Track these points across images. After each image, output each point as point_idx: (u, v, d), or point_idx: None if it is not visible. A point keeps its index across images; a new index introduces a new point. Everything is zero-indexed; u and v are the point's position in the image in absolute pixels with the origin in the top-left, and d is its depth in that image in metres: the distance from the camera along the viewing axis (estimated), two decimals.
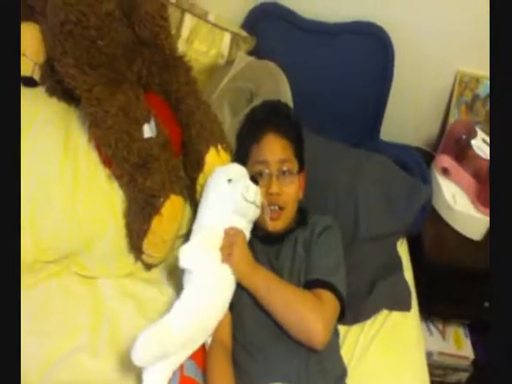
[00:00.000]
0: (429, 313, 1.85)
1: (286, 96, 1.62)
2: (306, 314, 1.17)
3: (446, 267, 1.66)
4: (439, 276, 1.68)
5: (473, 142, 1.67)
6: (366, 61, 1.71)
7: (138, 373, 1.15)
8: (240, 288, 1.24)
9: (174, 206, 1.32)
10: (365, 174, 1.57)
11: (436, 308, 1.80)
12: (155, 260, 1.39)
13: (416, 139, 1.92)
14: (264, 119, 1.41)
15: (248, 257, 1.25)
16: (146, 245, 1.33)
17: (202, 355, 1.20)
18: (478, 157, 1.65)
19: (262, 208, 1.29)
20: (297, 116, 1.45)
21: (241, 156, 1.41)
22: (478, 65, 1.74)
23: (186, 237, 1.42)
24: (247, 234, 1.29)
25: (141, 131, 1.33)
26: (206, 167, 1.38)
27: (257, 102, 1.54)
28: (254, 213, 1.27)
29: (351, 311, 1.31)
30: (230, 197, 1.25)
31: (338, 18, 1.71)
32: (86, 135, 1.41)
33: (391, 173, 1.61)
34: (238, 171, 1.32)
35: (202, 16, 1.68)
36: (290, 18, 1.72)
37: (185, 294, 1.19)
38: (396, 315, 1.46)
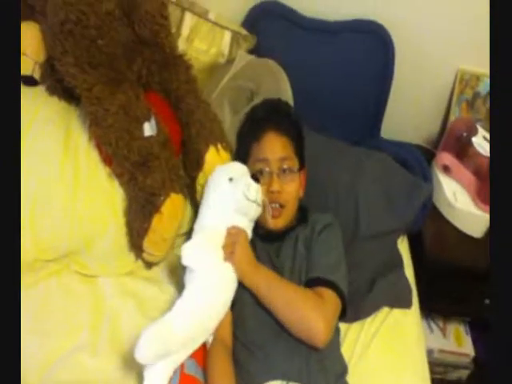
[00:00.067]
0: (429, 310, 1.85)
1: (287, 94, 1.62)
2: (307, 312, 1.17)
3: (447, 265, 1.66)
4: (440, 273, 1.68)
5: (473, 139, 1.67)
6: (366, 59, 1.71)
7: (138, 371, 1.15)
8: (241, 286, 1.24)
9: (174, 205, 1.32)
10: (365, 172, 1.57)
11: (437, 305, 1.80)
12: (156, 258, 1.40)
13: (417, 137, 1.92)
14: (264, 117, 1.41)
15: (250, 256, 1.25)
16: (147, 243, 1.33)
17: (202, 353, 1.20)
18: (478, 154, 1.65)
19: (263, 206, 1.29)
20: (297, 114, 1.46)
21: (241, 154, 1.42)
22: (479, 63, 1.74)
23: (187, 236, 1.42)
24: (249, 233, 1.30)
25: (141, 130, 1.33)
26: (206, 166, 1.38)
27: (257, 100, 1.54)
28: (255, 211, 1.27)
29: (352, 309, 1.31)
30: (231, 196, 1.25)
31: (338, 16, 1.70)
32: (86, 134, 1.41)
33: (392, 171, 1.61)
34: (239, 170, 1.32)
35: (202, 14, 1.68)
36: (290, 17, 1.72)
37: (187, 292, 1.19)
38: (397, 312, 1.47)
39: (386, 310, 1.47)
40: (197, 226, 1.31)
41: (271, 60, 1.67)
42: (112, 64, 1.35)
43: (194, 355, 1.18)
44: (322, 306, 1.18)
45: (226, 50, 1.70)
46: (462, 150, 1.69)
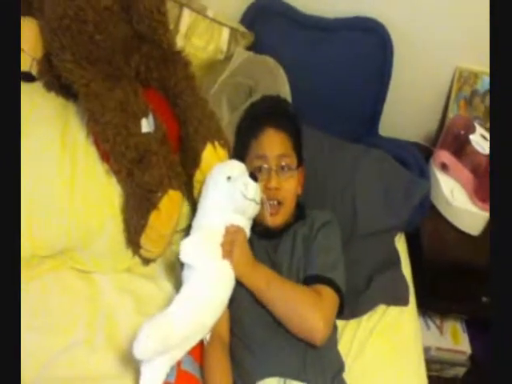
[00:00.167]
0: (426, 308, 1.86)
1: (285, 91, 1.62)
2: (306, 311, 1.17)
3: (444, 262, 1.66)
4: (437, 271, 1.68)
5: (471, 137, 1.67)
6: (364, 56, 1.71)
7: (135, 367, 1.15)
8: (238, 284, 1.24)
9: (171, 201, 1.32)
10: (363, 170, 1.57)
11: (434, 303, 1.80)
12: (153, 255, 1.39)
13: (415, 135, 1.92)
14: (263, 114, 1.41)
15: (248, 255, 1.25)
16: (144, 240, 1.33)
17: (199, 350, 1.20)
18: (476, 152, 1.65)
19: (262, 203, 1.28)
20: (296, 111, 1.45)
21: (240, 151, 1.41)
22: (477, 60, 1.74)
23: (185, 233, 1.42)
24: (247, 232, 1.30)
25: (139, 126, 1.33)
26: (203, 164, 1.37)
27: (256, 97, 1.54)
28: (253, 210, 1.27)
29: (349, 306, 1.31)
30: (229, 195, 1.25)
31: (336, 13, 1.70)
32: (84, 130, 1.40)
33: (389, 168, 1.61)
34: (237, 168, 1.32)
35: (200, 11, 1.67)
36: (288, 14, 1.72)
37: (185, 289, 1.19)
38: (394, 310, 1.46)
39: (383, 307, 1.46)
40: (195, 224, 1.31)
41: (269, 57, 1.66)
42: (110, 60, 1.35)
43: (191, 352, 1.18)
44: (321, 303, 1.18)
45: (224, 46, 1.69)
46: (460, 147, 1.69)
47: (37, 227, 1.33)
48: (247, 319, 1.24)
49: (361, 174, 1.56)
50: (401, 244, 1.66)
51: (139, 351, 1.05)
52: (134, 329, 1.08)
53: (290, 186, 1.35)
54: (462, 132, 1.68)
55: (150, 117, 1.36)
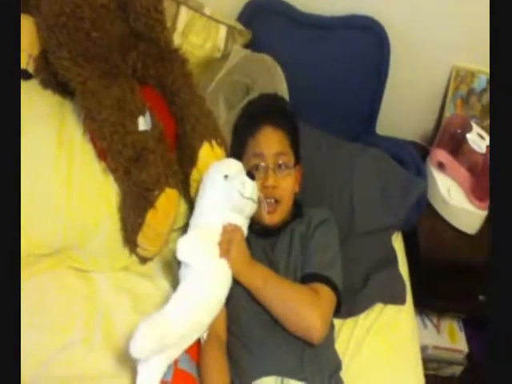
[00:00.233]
0: (423, 306, 1.86)
1: (282, 89, 1.62)
2: (303, 309, 1.17)
3: (441, 261, 1.66)
4: (434, 270, 1.69)
5: (468, 136, 1.67)
6: (361, 55, 1.71)
7: (132, 366, 1.15)
8: (235, 282, 1.24)
9: (168, 200, 1.32)
10: (360, 168, 1.57)
11: (431, 302, 1.80)
12: (150, 253, 1.39)
13: (412, 133, 1.92)
14: (261, 112, 1.41)
15: (245, 254, 1.25)
16: (141, 238, 1.32)
17: (196, 349, 1.20)
18: (473, 151, 1.65)
19: (259, 202, 1.28)
20: (293, 109, 1.45)
21: (237, 149, 1.41)
22: (474, 59, 1.74)
23: (182, 231, 1.42)
24: (245, 231, 1.29)
25: (136, 124, 1.33)
26: (200, 162, 1.37)
27: (253, 95, 1.53)
28: (251, 208, 1.27)
29: (346, 305, 1.31)
30: (226, 194, 1.25)
31: (333, 11, 1.70)
32: (80, 128, 1.39)
33: (386, 167, 1.62)
34: (235, 167, 1.31)
35: (197, 9, 1.66)
36: (285, 12, 1.71)
37: (182, 288, 1.19)
38: (391, 309, 1.46)
39: (380, 306, 1.46)
40: (192, 223, 1.30)
41: (267, 55, 1.66)
42: (107, 57, 1.34)
43: (188, 350, 1.18)
44: (318, 302, 1.18)
45: (221, 44, 1.69)
46: (457, 146, 1.70)
47: (34, 226, 1.32)
48: (244, 318, 1.24)
49: (358, 173, 1.56)
50: (398, 243, 1.66)
51: (136, 350, 1.05)
52: (131, 327, 1.08)
53: (287, 185, 1.35)
54: (459, 131, 1.69)
55: (147, 115, 1.35)
